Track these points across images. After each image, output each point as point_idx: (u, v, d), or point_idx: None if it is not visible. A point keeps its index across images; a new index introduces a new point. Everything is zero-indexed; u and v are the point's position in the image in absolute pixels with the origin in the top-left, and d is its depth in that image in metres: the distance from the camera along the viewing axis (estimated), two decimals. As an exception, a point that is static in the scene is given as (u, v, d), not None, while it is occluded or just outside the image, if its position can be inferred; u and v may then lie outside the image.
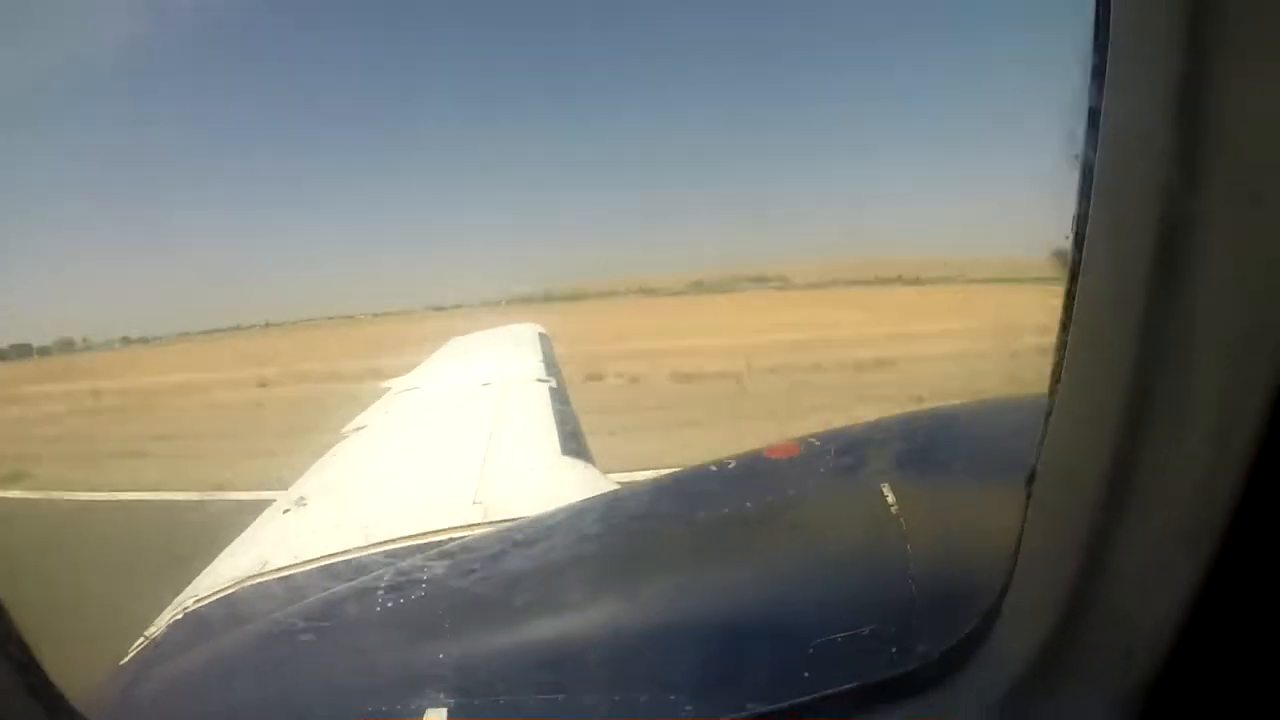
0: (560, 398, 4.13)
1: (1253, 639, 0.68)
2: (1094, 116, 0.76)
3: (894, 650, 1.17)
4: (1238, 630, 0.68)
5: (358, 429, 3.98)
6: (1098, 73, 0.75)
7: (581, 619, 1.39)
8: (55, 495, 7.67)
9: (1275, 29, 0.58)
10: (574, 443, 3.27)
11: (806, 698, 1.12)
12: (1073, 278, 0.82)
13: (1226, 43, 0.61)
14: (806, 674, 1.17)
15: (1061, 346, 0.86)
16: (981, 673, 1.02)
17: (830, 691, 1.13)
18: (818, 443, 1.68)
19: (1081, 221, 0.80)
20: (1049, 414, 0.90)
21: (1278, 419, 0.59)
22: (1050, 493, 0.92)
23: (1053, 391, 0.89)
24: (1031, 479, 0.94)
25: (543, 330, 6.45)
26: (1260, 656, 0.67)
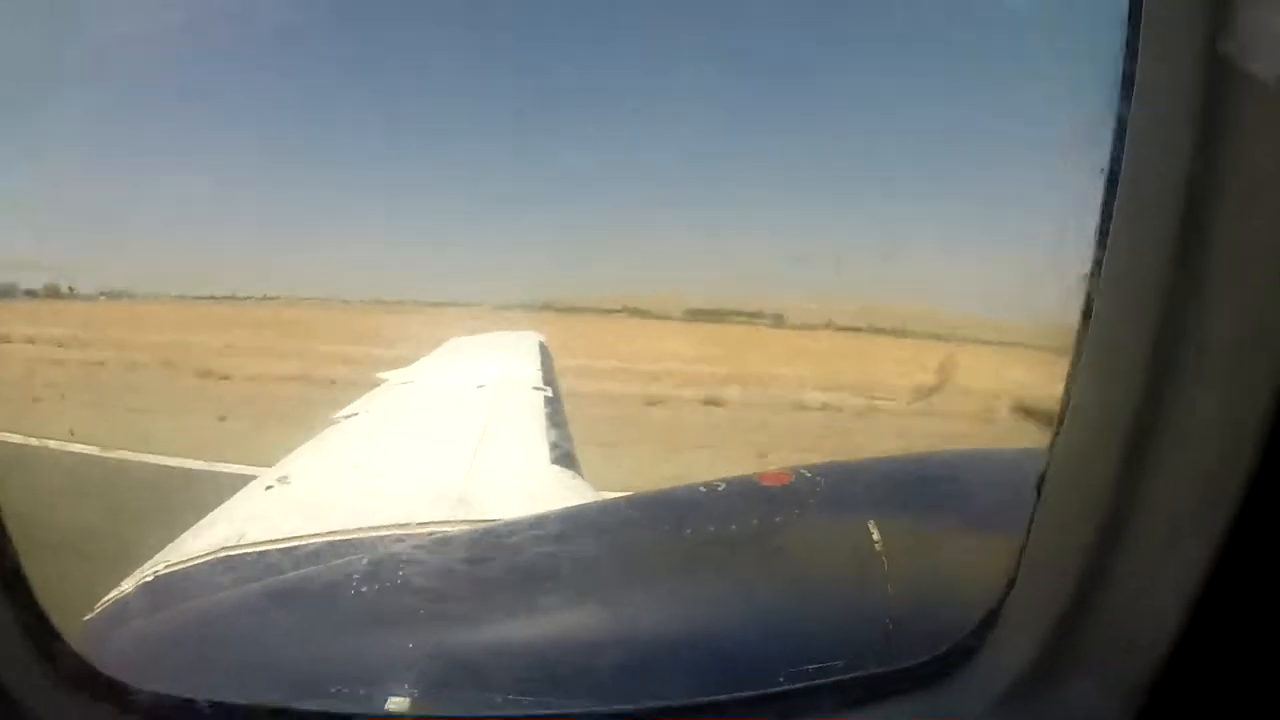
0: (555, 407, 4.14)
1: (1252, 637, 0.69)
2: (1120, 127, 0.79)
3: (873, 670, 1.17)
4: (1237, 628, 0.69)
5: (349, 415, 3.97)
6: (1126, 85, 0.78)
7: (556, 623, 1.39)
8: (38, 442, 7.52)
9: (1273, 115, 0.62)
10: (564, 453, 3.27)
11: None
12: (1093, 283, 0.85)
13: (1234, 122, 0.65)
14: (780, 690, 1.17)
15: (1077, 352, 0.88)
16: (982, 671, 1.03)
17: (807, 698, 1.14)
18: (809, 474, 1.69)
19: (1104, 227, 0.83)
20: (1060, 417, 0.92)
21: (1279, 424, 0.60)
22: (1058, 495, 0.94)
23: (1065, 395, 0.91)
24: (1041, 482, 0.96)
25: (543, 339, 6.48)
26: (1258, 654, 0.69)
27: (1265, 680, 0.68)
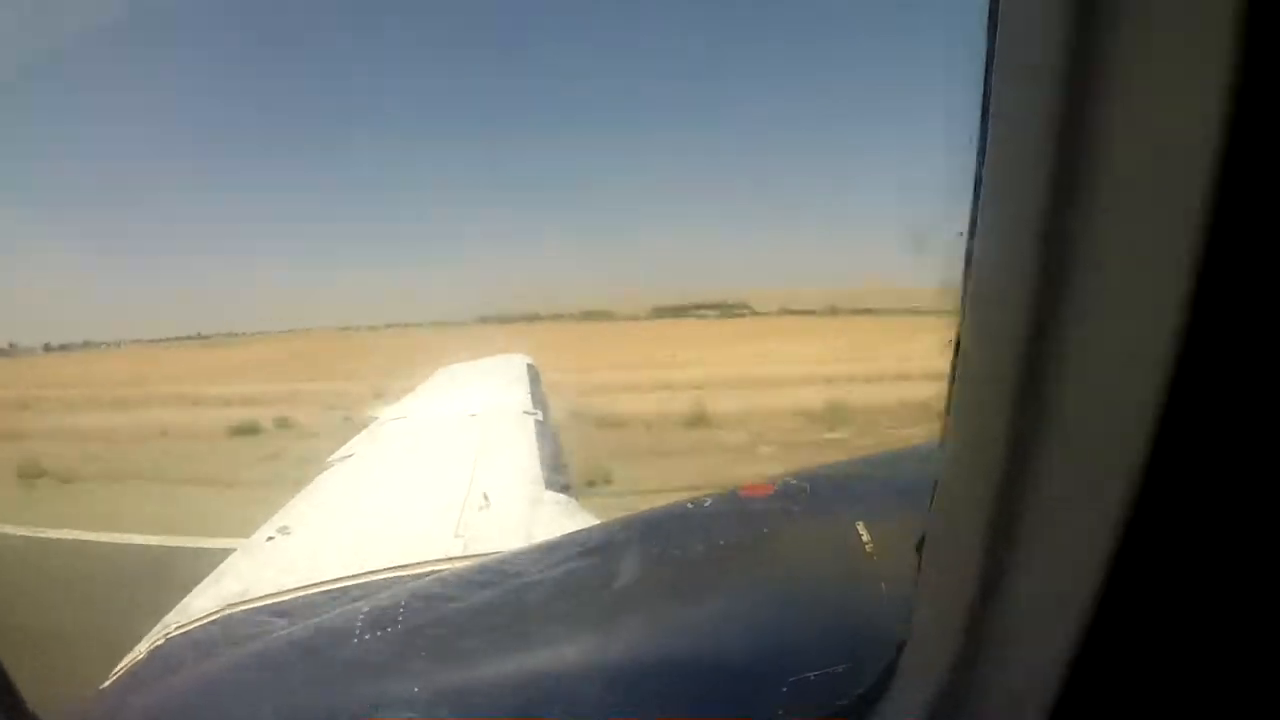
0: (546, 431, 4.17)
1: (1149, 661, 0.67)
2: (983, 131, 0.76)
3: (874, 689, 1.18)
4: (1133, 654, 0.67)
5: (344, 458, 3.99)
6: (985, 91, 0.76)
7: (560, 654, 1.41)
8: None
9: (1152, 55, 0.59)
10: (558, 477, 3.30)
11: None
12: (962, 302, 0.81)
13: (1107, 63, 0.62)
14: (779, 711, 1.20)
15: (952, 374, 0.85)
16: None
17: None
18: (793, 481, 1.72)
19: (969, 243, 0.80)
20: (942, 444, 0.89)
21: (1164, 435, 0.57)
22: (942, 531, 0.92)
23: (945, 422, 0.88)
24: (931, 502, 0.94)
25: (531, 361, 6.50)
26: (1156, 680, 0.67)
27: (1167, 688, 0.67)
